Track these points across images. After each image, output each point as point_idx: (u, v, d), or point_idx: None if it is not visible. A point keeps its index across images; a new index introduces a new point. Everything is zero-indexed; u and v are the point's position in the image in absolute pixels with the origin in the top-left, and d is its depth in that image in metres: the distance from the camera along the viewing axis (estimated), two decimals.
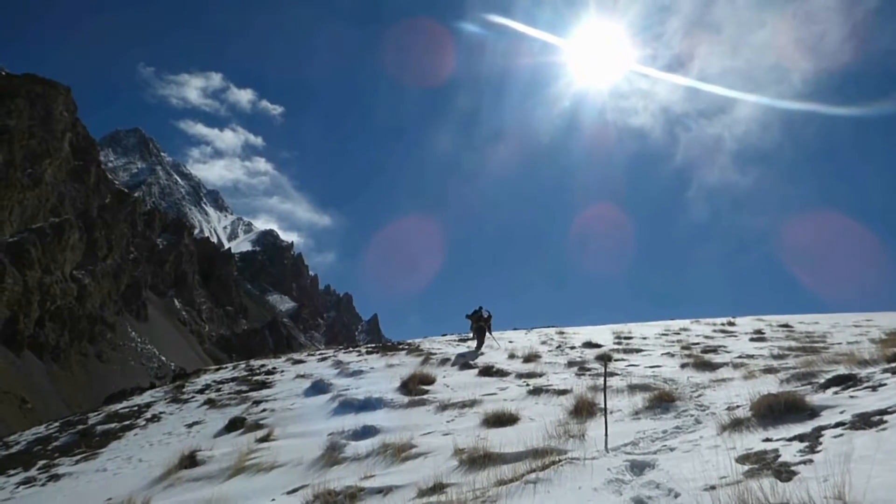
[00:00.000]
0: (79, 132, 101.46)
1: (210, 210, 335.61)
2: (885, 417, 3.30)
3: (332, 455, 7.09)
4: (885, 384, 4.35)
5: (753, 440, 3.82)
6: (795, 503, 2.25)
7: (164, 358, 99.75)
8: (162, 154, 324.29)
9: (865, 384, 4.55)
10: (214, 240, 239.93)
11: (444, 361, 14.72)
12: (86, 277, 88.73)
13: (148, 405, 15.45)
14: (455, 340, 20.94)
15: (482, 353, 15.44)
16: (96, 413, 16.17)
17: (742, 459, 3.33)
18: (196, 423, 12.15)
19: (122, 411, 15.14)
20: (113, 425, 13.38)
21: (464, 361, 14.30)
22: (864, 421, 3.36)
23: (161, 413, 13.98)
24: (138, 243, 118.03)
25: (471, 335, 18.58)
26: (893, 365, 4.97)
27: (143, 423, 13.25)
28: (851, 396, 4.31)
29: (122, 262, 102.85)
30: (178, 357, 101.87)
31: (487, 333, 17.50)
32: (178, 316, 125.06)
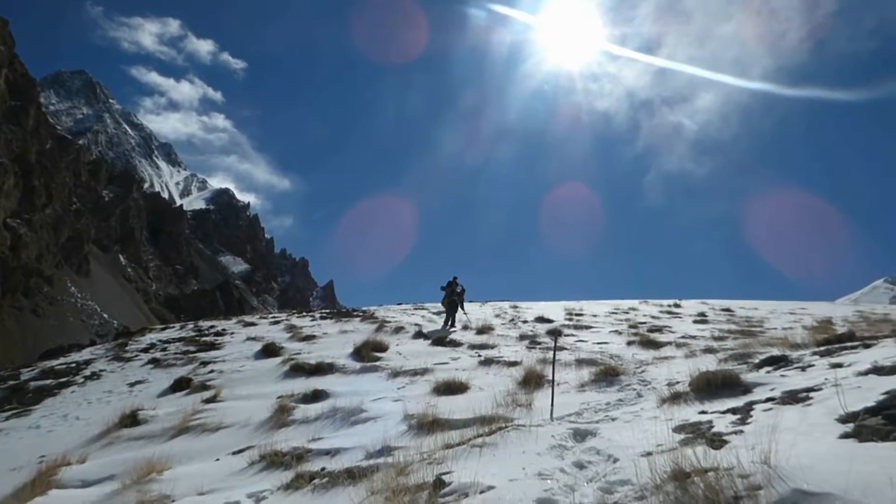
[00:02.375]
0: (16, 69, 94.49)
1: (162, 164, 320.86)
2: (812, 394, 3.54)
3: (280, 417, 7.06)
4: (813, 365, 4.65)
5: (690, 412, 4.03)
6: (725, 467, 2.39)
7: (106, 315, 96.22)
8: (111, 101, 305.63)
9: (796, 365, 4.84)
10: (165, 195, 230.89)
11: (399, 330, 14.78)
12: (21, 227, 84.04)
13: (87, 362, 14.92)
14: (411, 309, 21.03)
15: (453, 330, 14.36)
16: (30, 369, 15.51)
17: (678, 429, 3.51)
18: (139, 382, 11.84)
19: (59, 368, 14.56)
20: (48, 382, 12.87)
21: (418, 330, 14.40)
22: (793, 397, 3.59)
23: (101, 371, 13.53)
24: (82, 194, 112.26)
25: (442, 308, 17.07)
26: (822, 349, 5.31)
27: (82, 380, 12.80)
28: (782, 375, 4.59)
29: (63, 213, 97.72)
30: (121, 315, 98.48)
31: (460, 309, 16.25)
32: (124, 273, 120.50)
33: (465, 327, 14.83)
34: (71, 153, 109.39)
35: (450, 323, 15.42)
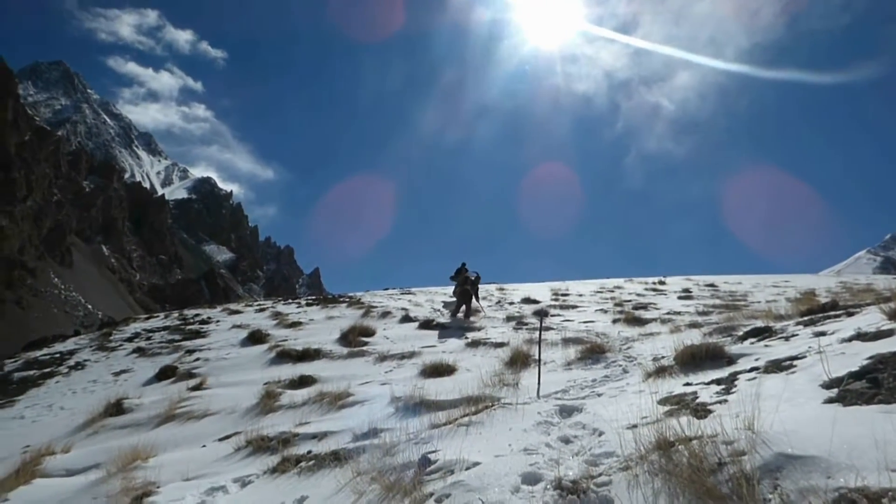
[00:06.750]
0: None
1: (142, 154, 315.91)
2: (795, 362, 3.54)
3: (267, 403, 7.01)
4: (796, 335, 4.67)
5: (675, 385, 4.03)
6: (709, 434, 2.37)
7: (90, 306, 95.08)
8: (89, 91, 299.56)
9: (779, 335, 4.86)
10: (147, 185, 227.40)
11: (385, 314, 14.73)
12: (2, 219, 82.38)
13: (71, 352, 14.74)
14: (397, 294, 20.97)
15: (474, 320, 13.03)
16: (13, 360, 15.29)
17: (663, 402, 3.50)
18: (124, 371, 11.71)
19: (43, 358, 14.37)
20: (32, 372, 12.70)
21: (405, 315, 14.35)
22: (777, 366, 3.59)
23: (86, 361, 13.37)
24: (62, 185, 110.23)
25: (453, 299, 15.45)
26: (806, 319, 5.34)
27: (66, 370, 12.65)
28: (766, 346, 4.61)
29: (44, 205, 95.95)
30: (106, 306, 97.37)
31: (474, 299, 14.26)
32: (107, 263, 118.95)
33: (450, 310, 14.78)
34: (50, 144, 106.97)
35: (462, 312, 13.73)
